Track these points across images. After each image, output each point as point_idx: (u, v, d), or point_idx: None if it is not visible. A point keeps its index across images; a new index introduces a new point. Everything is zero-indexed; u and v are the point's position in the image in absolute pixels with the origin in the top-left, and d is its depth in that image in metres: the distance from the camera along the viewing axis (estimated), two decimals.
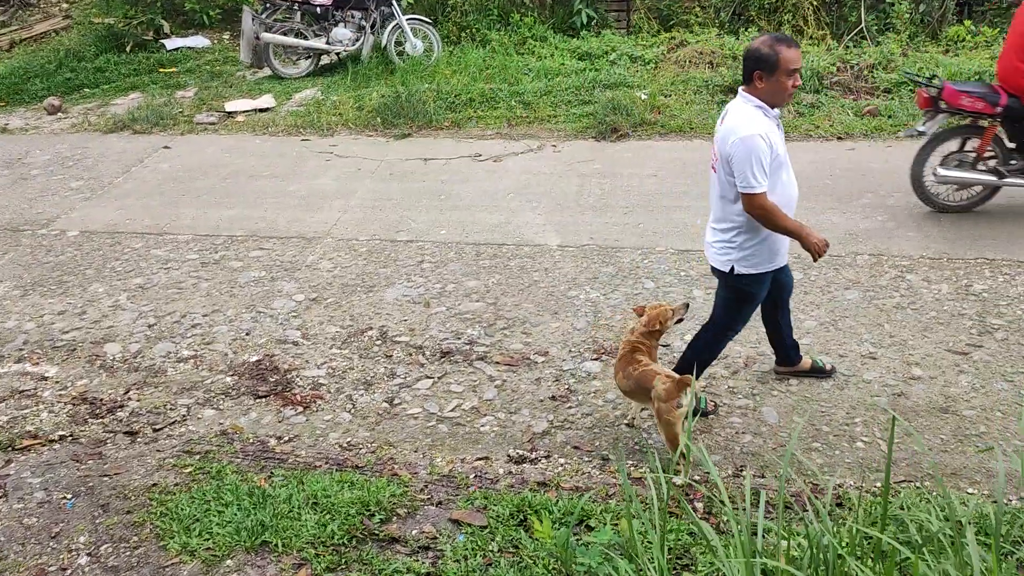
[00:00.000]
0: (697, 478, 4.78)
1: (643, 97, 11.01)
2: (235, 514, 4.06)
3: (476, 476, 4.78)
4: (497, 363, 5.92)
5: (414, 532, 4.14)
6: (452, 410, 5.46)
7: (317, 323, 6.49)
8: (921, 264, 6.87)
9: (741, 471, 4.81)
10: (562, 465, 4.91)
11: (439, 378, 5.78)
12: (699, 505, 4.51)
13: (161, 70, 13.79)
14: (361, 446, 5.14)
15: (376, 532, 4.07)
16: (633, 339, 4.99)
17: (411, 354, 6.06)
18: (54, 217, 8.63)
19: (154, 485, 4.52)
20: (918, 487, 4.52)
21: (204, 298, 6.91)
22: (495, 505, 4.36)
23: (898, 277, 6.71)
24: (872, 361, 5.70)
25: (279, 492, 4.28)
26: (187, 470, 4.71)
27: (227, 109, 11.93)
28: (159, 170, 9.90)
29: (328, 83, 12.68)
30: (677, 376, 4.72)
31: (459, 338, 6.22)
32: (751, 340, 5.99)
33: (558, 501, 4.38)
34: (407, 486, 4.59)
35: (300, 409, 5.51)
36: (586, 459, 4.97)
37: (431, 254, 7.51)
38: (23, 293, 7.08)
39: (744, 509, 4.04)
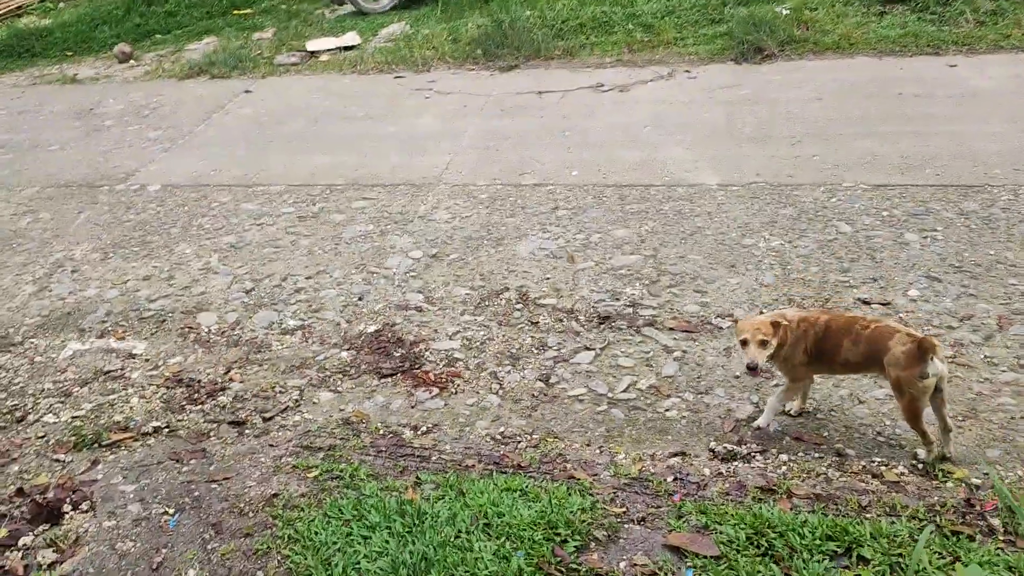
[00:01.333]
0: (975, 481, 3.67)
1: (784, 12, 9.63)
2: (386, 542, 3.15)
3: (676, 479, 3.77)
4: (671, 329, 4.86)
5: (623, 565, 3.15)
6: (625, 390, 4.44)
7: (442, 284, 5.54)
8: None
9: None
10: (785, 463, 3.85)
11: (601, 349, 4.77)
12: (995, 522, 3.40)
13: (235, 12, 13.00)
14: (518, 438, 4.18)
15: (576, 567, 3.10)
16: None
17: (561, 320, 5.06)
18: (132, 171, 7.88)
19: (275, 496, 3.65)
20: None
21: (306, 257, 6.03)
22: (719, 524, 3.34)
23: None
24: None
25: (437, 509, 3.34)
26: (312, 474, 3.82)
27: (309, 49, 11.03)
28: (242, 115, 9.07)
29: (416, 16, 11.66)
30: (919, 336, 3.60)
31: (617, 299, 5.18)
32: (998, 295, 4.78)
33: (803, 518, 3.34)
34: (592, 495, 3.61)
35: (436, 391, 4.57)
36: (815, 454, 3.90)
37: (565, 199, 6.46)
38: (103, 256, 6.33)
39: None
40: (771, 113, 7.52)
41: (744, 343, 3.78)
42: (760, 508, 3.42)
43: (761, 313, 4.63)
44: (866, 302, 4.88)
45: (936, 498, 3.59)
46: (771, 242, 5.57)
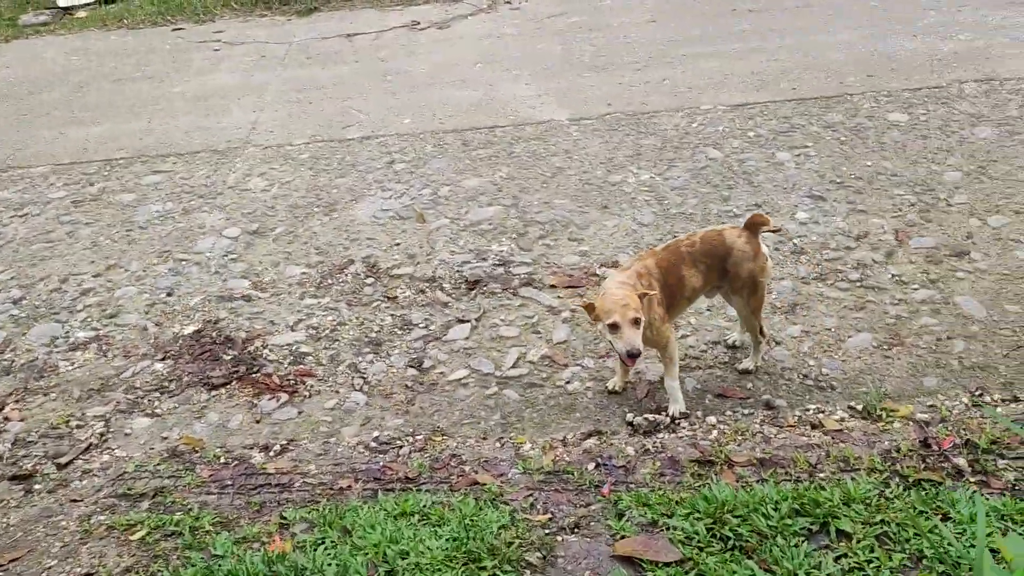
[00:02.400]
0: (922, 416, 3.33)
1: None
2: None
3: (599, 465, 3.19)
4: (553, 287, 4.26)
5: None
6: (514, 365, 3.80)
7: (270, 265, 4.64)
8: None
9: (980, 394, 3.41)
10: (715, 427, 3.37)
11: (477, 320, 4.09)
12: (960, 461, 3.07)
13: None
14: (398, 442, 3.44)
15: None
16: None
17: (423, 291, 4.33)
18: None
19: None
20: None
21: (90, 250, 4.90)
22: (669, 517, 2.80)
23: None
24: None
25: (319, 561, 2.57)
26: (136, 534, 2.92)
27: (61, 4, 9.41)
28: None
29: None
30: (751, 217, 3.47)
31: (484, 259, 4.51)
32: (887, 208, 4.54)
33: (760, 493, 2.85)
34: (506, 502, 2.97)
35: (284, 397, 3.73)
36: (744, 411, 3.44)
37: (401, 151, 5.67)
38: None
39: None
40: (608, 39, 7.04)
41: (615, 327, 3.08)
42: (708, 489, 2.90)
43: (597, 278, 4.14)
44: None
45: (887, 443, 3.22)
46: (640, 176, 5.09)
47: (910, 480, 2.99)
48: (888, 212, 4.52)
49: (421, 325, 4.09)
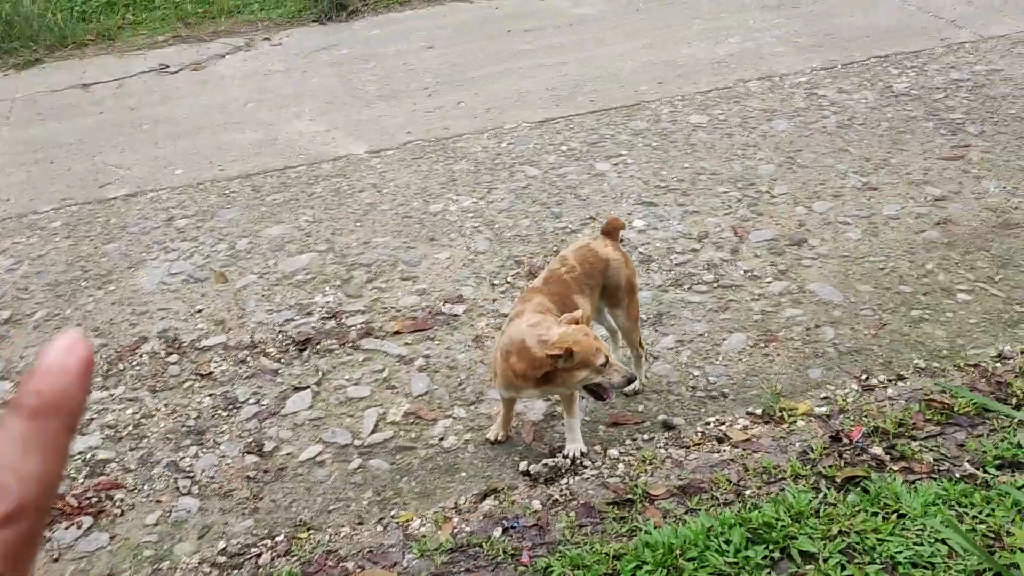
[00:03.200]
0: (821, 410, 3.20)
1: None
2: None
3: (509, 530, 2.75)
4: (397, 333, 3.77)
5: None
6: (376, 430, 3.27)
7: (35, 358, 3.74)
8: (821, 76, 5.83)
9: (865, 378, 3.34)
10: (620, 460, 3.04)
11: (317, 384, 3.51)
12: (877, 451, 2.94)
13: None
14: (254, 549, 2.79)
15: None
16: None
17: (244, 360, 3.66)
18: None
19: None
20: None
21: None
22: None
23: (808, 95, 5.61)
24: (876, 192, 4.51)
25: None
26: None
27: None
28: None
29: None
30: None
31: (309, 313, 3.92)
32: (717, 206, 4.49)
33: (703, 525, 2.54)
34: None
35: (87, 521, 2.94)
36: (643, 436, 3.15)
37: (180, 205, 4.91)
38: None
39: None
40: (388, 68, 6.65)
41: (606, 365, 2.75)
42: (646, 535, 2.55)
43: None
44: None
45: (799, 444, 3.06)
46: (461, 203, 4.72)
47: (838, 481, 2.83)
48: (720, 210, 4.48)
49: (250, 401, 3.44)
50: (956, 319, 3.59)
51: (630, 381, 2.91)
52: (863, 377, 3.35)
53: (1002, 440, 2.90)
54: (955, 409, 3.08)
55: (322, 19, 7.92)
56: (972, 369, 3.32)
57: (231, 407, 3.42)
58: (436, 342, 3.71)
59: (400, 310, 3.91)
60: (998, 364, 3.33)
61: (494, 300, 3.93)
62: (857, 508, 2.55)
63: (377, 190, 4.90)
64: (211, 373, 3.60)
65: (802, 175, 4.75)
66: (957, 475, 2.76)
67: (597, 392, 2.86)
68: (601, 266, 3.13)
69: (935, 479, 2.74)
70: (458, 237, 4.42)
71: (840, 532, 2.46)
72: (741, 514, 2.57)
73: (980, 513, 2.53)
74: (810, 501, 2.61)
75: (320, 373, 3.56)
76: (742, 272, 4.00)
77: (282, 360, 3.65)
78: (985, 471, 2.76)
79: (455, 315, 3.86)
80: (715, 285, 3.92)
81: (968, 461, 2.84)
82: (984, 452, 2.84)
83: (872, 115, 5.31)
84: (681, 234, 4.29)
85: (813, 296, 3.82)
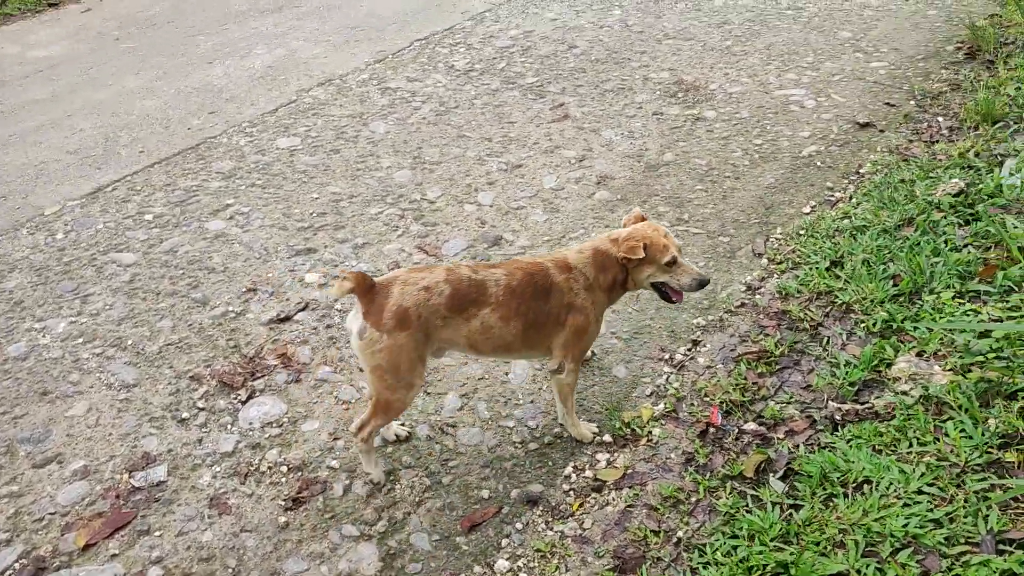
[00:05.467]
0: (662, 408, 2.85)
1: None
2: None
3: None
4: (90, 547, 2.46)
5: None
6: None
7: None
8: None
9: (669, 356, 3.07)
10: (516, 570, 2.34)
11: None
12: (751, 425, 2.69)
13: None
14: None
15: None
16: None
17: None
18: None
19: None
20: None
21: None
22: None
23: None
24: (523, 169, 4.27)
25: None
26: None
27: None
28: None
29: None
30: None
31: None
32: (381, 230, 3.83)
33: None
34: None
35: None
36: (514, 525, 2.48)
37: None
38: None
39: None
40: None
41: (674, 263, 2.62)
42: None
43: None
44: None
45: (674, 456, 2.68)
46: (53, 330, 3.32)
47: (746, 478, 2.53)
48: (390, 233, 3.85)
49: None
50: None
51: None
52: (667, 356, 3.11)
53: (831, 373, 2.89)
54: (770, 352, 3.02)
55: None
56: (745, 310, 3.30)
57: None
58: (157, 533, 2.51)
59: (67, 511, 2.58)
60: (757, 296, 3.37)
61: (200, 439, 2.81)
62: (823, 499, 2.28)
63: None
64: None
65: (442, 172, 4.34)
66: (838, 418, 2.67)
67: (666, 294, 2.70)
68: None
69: (822, 430, 2.62)
70: (84, 378, 3.09)
71: (845, 530, 2.16)
72: (727, 570, 2.12)
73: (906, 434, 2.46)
74: (760, 518, 2.27)
75: None
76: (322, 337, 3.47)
77: None
78: (855, 402, 2.71)
79: (158, 482, 2.67)
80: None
81: (830, 399, 2.77)
82: (833, 385, 2.80)
83: (458, 96, 5.09)
84: (372, 272, 3.58)
85: None
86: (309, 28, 6.15)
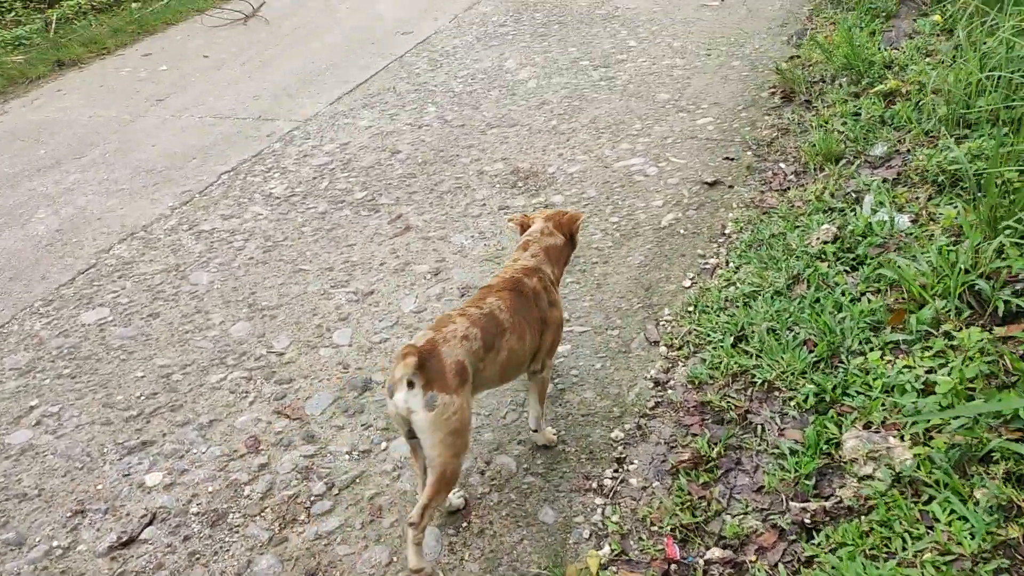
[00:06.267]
0: (608, 552, 2.43)
1: None
2: None
3: None
4: None
5: None
6: None
7: None
8: None
9: (590, 483, 2.66)
10: None
11: None
12: (716, 553, 2.31)
13: None
14: None
15: None
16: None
17: None
18: None
19: None
20: None
21: None
22: None
23: None
24: (375, 296, 3.81)
25: None
26: None
27: None
28: None
29: None
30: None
31: None
32: (239, 407, 3.25)
33: None
34: None
35: None
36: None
37: None
38: None
39: None
40: None
41: None
42: None
43: None
44: None
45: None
46: None
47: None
48: (235, 403, 3.27)
49: None
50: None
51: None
52: (593, 485, 2.71)
53: (779, 466, 2.59)
54: (706, 455, 2.68)
55: None
56: (661, 410, 2.97)
57: None
58: None
59: None
60: (668, 392, 3.05)
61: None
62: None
63: None
64: None
65: (285, 316, 3.81)
66: (807, 521, 2.35)
67: None
68: None
69: (795, 540, 2.29)
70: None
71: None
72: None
73: None
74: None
75: None
76: (354, 456, 2.95)
77: None
78: (819, 497, 2.41)
79: None
80: (276, 525, 2.80)
81: (790, 500, 2.45)
82: (787, 481, 2.49)
83: (284, 226, 4.60)
84: (218, 463, 2.98)
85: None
86: (97, 179, 5.48)
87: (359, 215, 4.65)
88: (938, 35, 5.67)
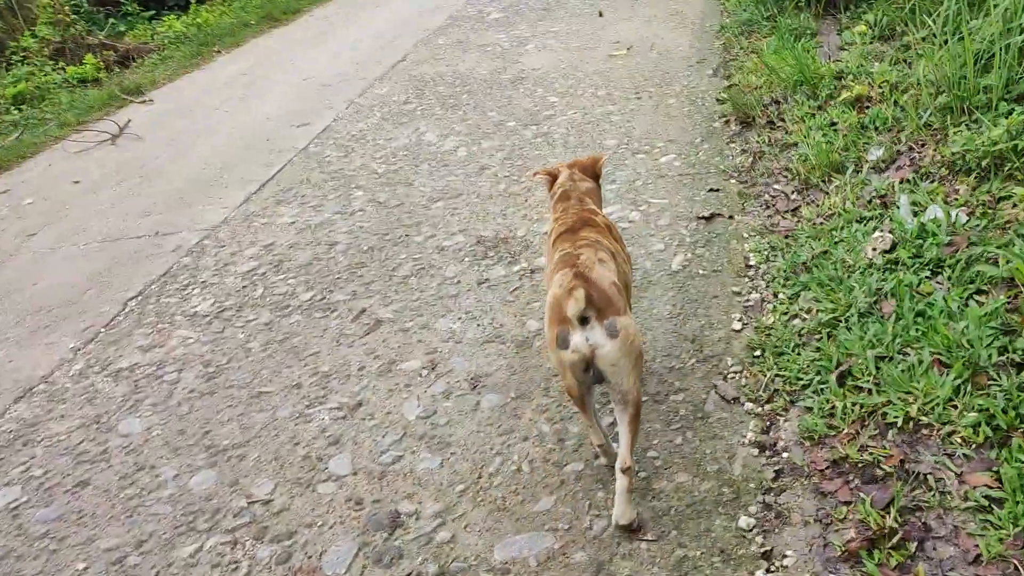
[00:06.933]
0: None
1: None
2: None
3: None
4: None
5: None
6: None
7: None
8: None
9: None
10: None
11: None
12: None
13: None
14: None
15: None
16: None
17: None
18: None
19: None
20: None
21: None
22: None
23: None
24: (365, 407, 3.07)
25: None
26: None
27: None
28: None
29: None
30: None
31: None
32: (222, 553, 2.44)
33: None
34: None
35: None
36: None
37: None
38: None
39: None
40: None
41: None
42: None
43: None
44: None
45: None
46: None
47: None
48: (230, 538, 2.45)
49: None
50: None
51: None
52: None
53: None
54: (879, 526, 2.08)
55: None
56: (787, 480, 2.36)
57: None
58: None
59: None
60: (784, 455, 2.44)
61: None
62: None
63: None
64: None
65: (259, 453, 3.00)
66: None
67: None
68: None
69: None
70: None
71: None
72: None
73: None
74: None
75: None
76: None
77: None
78: None
79: None
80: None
81: None
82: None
83: (224, 347, 3.78)
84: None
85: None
86: None
87: (312, 318, 3.91)
88: (870, 42, 5.52)
